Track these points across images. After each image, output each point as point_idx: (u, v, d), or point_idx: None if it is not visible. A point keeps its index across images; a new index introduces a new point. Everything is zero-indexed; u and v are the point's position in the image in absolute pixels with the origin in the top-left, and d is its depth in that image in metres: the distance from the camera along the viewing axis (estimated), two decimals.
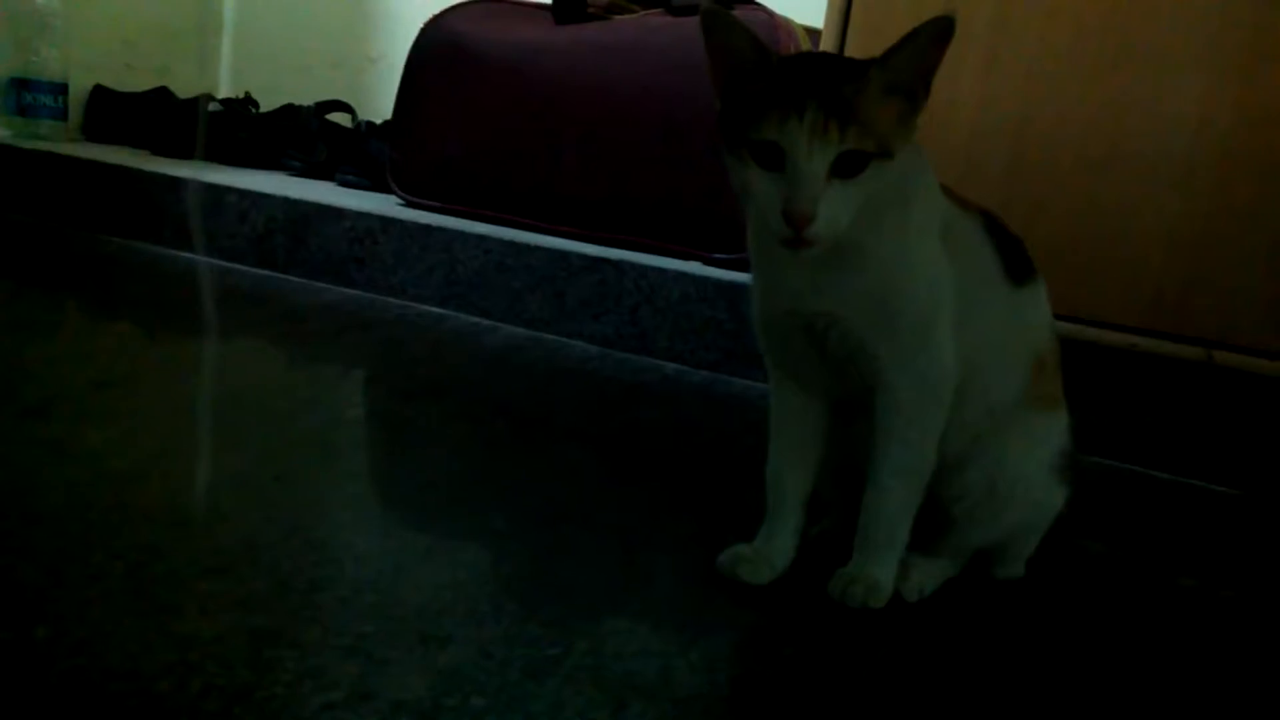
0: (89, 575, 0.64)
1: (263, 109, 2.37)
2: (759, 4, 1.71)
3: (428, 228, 1.63)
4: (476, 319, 1.59)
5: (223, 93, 2.72)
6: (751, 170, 0.64)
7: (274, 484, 0.85)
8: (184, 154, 2.19)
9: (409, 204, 1.81)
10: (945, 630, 0.74)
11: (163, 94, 2.44)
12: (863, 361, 0.71)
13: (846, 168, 0.63)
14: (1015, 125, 1.31)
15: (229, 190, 1.78)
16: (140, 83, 2.50)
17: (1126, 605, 0.83)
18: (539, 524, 0.83)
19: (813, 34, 1.58)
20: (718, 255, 1.55)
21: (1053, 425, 0.79)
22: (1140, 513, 1.12)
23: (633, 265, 1.49)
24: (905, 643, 0.71)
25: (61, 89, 2.31)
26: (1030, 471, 0.78)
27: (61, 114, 2.32)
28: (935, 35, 0.63)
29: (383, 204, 1.77)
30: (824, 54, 0.78)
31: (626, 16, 1.80)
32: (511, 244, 1.57)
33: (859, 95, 0.63)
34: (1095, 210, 1.28)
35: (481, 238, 1.59)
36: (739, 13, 1.64)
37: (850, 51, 1.36)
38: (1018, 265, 0.77)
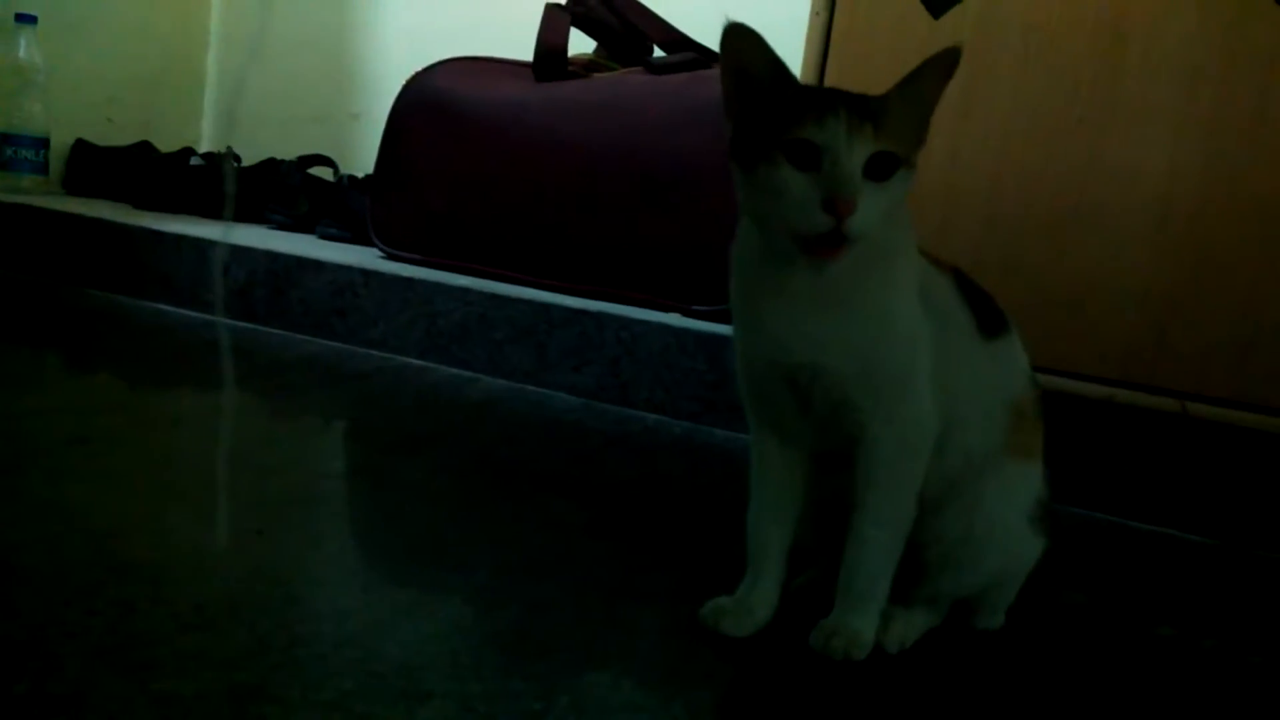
0: (68, 632, 0.63)
1: (245, 163, 2.38)
2: None
3: (409, 280, 1.64)
4: (458, 371, 1.59)
5: (204, 147, 2.74)
6: (785, 171, 0.65)
7: (255, 539, 0.85)
8: (166, 208, 2.20)
9: (390, 256, 1.82)
10: (927, 682, 0.74)
11: (144, 148, 2.46)
12: (846, 414, 0.72)
13: (878, 170, 0.65)
14: (988, 181, 1.33)
15: (210, 243, 1.79)
16: (122, 137, 2.52)
17: (1107, 655, 0.83)
18: (521, 577, 0.83)
19: None
20: (697, 307, 1.56)
21: (1029, 474, 0.80)
22: (1118, 563, 1.12)
23: (613, 317, 1.50)
24: (887, 694, 0.71)
25: (43, 143, 2.32)
26: (1006, 519, 0.78)
27: (43, 168, 2.33)
28: (943, 65, 0.67)
29: (364, 256, 1.78)
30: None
31: (605, 75, 1.83)
32: (492, 296, 1.58)
33: (883, 110, 0.66)
34: (1069, 263, 1.30)
35: (463, 290, 1.60)
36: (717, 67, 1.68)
37: None
38: (989, 318, 0.78)
